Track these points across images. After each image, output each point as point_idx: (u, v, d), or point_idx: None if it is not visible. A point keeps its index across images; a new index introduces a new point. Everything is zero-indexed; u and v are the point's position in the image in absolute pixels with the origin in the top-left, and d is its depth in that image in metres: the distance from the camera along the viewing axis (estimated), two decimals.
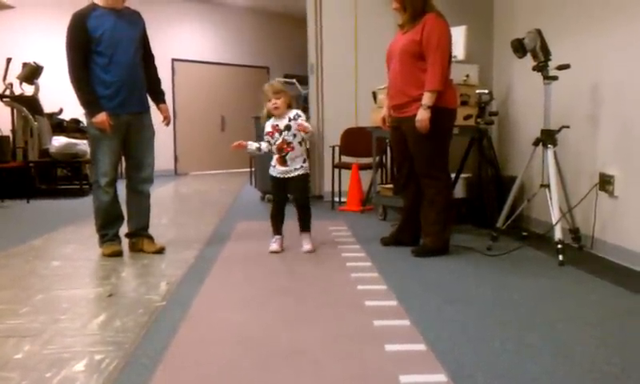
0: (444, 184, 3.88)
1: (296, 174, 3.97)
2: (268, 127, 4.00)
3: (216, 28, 12.62)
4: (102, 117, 3.69)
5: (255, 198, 7.48)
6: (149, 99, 4.05)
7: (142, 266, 3.64)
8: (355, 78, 6.98)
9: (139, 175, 3.97)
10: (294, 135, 3.93)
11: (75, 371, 2.03)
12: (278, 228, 4.09)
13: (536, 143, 3.95)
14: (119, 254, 3.91)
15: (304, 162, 4.01)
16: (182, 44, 12.00)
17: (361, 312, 2.67)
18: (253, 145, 4.06)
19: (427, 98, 3.67)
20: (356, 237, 4.59)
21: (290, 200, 4.10)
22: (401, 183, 4.16)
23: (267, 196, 7.08)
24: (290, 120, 3.92)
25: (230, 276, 3.39)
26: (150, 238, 4.07)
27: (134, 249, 4.04)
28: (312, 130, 4.02)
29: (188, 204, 7.23)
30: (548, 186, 3.84)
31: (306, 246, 4.02)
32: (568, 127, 3.93)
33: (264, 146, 4.04)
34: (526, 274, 3.38)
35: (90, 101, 3.71)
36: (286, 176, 3.98)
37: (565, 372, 1.97)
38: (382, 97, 5.51)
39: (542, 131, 3.91)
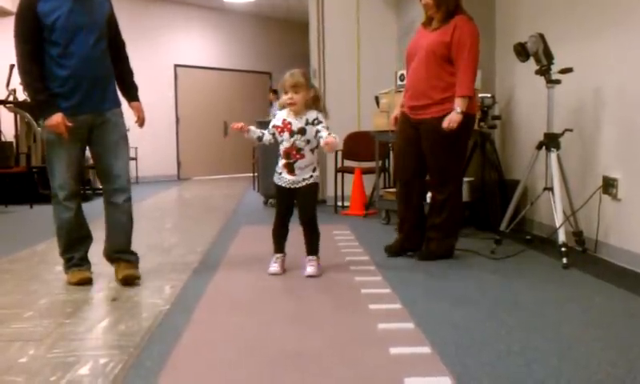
0: (455, 190, 3.83)
1: (304, 184, 3.42)
2: (278, 120, 3.44)
3: (218, 34, 12.67)
4: (56, 118, 3.08)
5: (258, 203, 7.49)
6: (119, 95, 3.46)
7: (145, 271, 3.63)
8: (358, 82, 7.00)
9: (109, 186, 3.32)
10: (308, 141, 3.37)
11: (80, 375, 2.03)
12: (280, 245, 3.55)
13: (539, 147, 3.95)
14: (88, 282, 3.30)
15: (314, 170, 3.45)
16: (184, 50, 12.04)
17: (365, 315, 2.67)
18: (256, 132, 3.50)
19: (460, 104, 3.55)
20: (359, 241, 4.58)
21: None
22: (404, 189, 3.94)
23: (270, 200, 7.09)
24: (307, 123, 3.37)
25: (234, 280, 3.39)
26: (130, 261, 3.40)
27: (116, 277, 3.36)
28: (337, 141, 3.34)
29: (191, 209, 7.25)
30: (551, 189, 3.83)
31: (309, 269, 3.43)
32: (571, 131, 3.92)
33: (267, 136, 3.49)
34: (530, 277, 3.38)
35: (41, 100, 3.11)
36: (293, 186, 3.44)
37: (570, 374, 1.96)
38: (384, 101, 5.52)
39: (545, 135, 3.91)
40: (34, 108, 3.22)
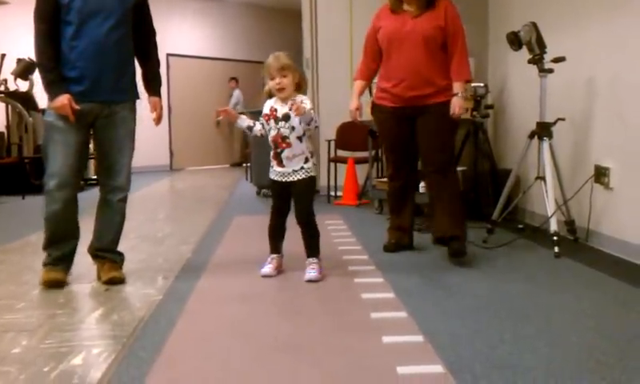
0: (457, 176, 3.76)
1: (296, 178, 3.15)
2: (266, 108, 3.21)
3: (211, 23, 12.60)
4: (62, 100, 2.92)
5: (251, 193, 7.48)
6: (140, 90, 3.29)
7: (138, 261, 3.63)
8: (351, 72, 6.95)
9: (109, 182, 3.16)
10: (293, 128, 3.10)
11: (73, 365, 2.03)
12: (275, 245, 3.30)
13: (531, 136, 3.96)
14: (59, 284, 3.04)
15: (306, 161, 3.16)
16: (176, 39, 11.96)
17: (358, 304, 2.68)
18: (245, 121, 3.26)
19: (461, 88, 3.46)
20: (352, 231, 4.59)
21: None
22: (399, 195, 3.77)
23: (263, 191, 7.08)
24: (291, 108, 3.10)
25: (227, 270, 3.38)
26: (115, 262, 3.22)
27: (97, 276, 3.21)
28: (312, 113, 3.07)
29: (184, 199, 7.23)
30: (544, 178, 3.85)
31: (310, 274, 3.14)
32: (563, 120, 3.93)
33: (257, 127, 3.25)
34: (522, 265, 3.39)
35: (50, 80, 2.98)
36: (285, 180, 3.17)
37: (561, 362, 1.98)
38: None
39: (538, 124, 3.92)
40: (44, 89, 3.02)
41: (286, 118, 3.11)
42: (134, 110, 3.23)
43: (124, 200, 3.20)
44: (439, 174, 3.56)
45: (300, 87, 3.17)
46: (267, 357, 2.07)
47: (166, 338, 2.27)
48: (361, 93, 3.80)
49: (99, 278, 3.17)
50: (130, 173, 3.24)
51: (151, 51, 3.34)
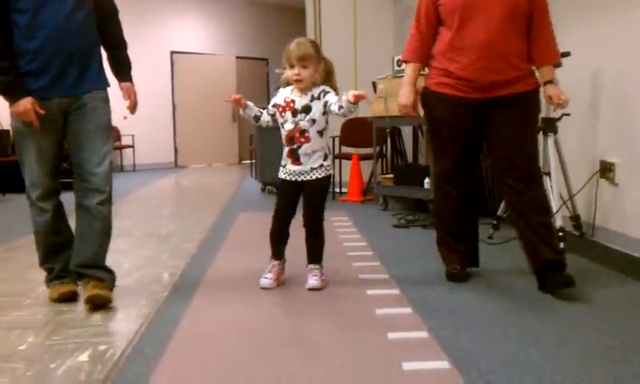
0: (544, 185, 3.18)
1: (314, 176, 2.83)
2: (279, 98, 2.86)
3: (215, 20, 12.61)
4: (25, 104, 2.53)
5: (256, 190, 7.49)
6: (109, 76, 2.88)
7: (143, 258, 3.65)
8: (354, 68, 6.97)
9: (81, 184, 2.71)
10: (314, 121, 2.78)
11: (79, 361, 2.04)
12: (278, 249, 2.97)
13: (537, 131, 3.94)
14: (71, 296, 2.73)
15: (325, 158, 2.85)
16: (180, 36, 11.98)
17: (363, 301, 2.68)
18: (253, 109, 2.92)
19: (553, 73, 2.95)
20: (357, 227, 4.59)
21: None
22: (464, 190, 3.00)
23: (267, 187, 7.09)
24: (312, 99, 2.78)
25: (232, 266, 3.39)
26: (101, 280, 2.69)
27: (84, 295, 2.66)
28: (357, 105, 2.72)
29: (189, 196, 7.25)
30: (549, 173, 3.83)
31: (312, 281, 2.88)
32: (568, 115, 3.91)
33: (265, 117, 2.93)
34: (526, 261, 3.38)
35: (8, 82, 2.56)
36: (300, 179, 2.84)
37: (566, 358, 1.98)
38: (381, 87, 5.50)
39: (543, 119, 3.89)
40: (1, 93, 2.63)
41: (307, 109, 2.78)
42: (105, 100, 2.79)
43: (104, 203, 2.72)
44: (527, 183, 2.82)
45: (329, 78, 2.85)
46: (272, 354, 2.08)
47: (172, 334, 2.28)
48: (415, 80, 3.00)
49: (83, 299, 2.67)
50: (109, 172, 2.76)
51: (116, 31, 2.93)
